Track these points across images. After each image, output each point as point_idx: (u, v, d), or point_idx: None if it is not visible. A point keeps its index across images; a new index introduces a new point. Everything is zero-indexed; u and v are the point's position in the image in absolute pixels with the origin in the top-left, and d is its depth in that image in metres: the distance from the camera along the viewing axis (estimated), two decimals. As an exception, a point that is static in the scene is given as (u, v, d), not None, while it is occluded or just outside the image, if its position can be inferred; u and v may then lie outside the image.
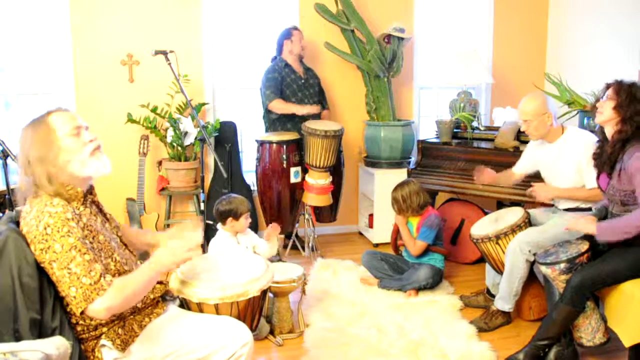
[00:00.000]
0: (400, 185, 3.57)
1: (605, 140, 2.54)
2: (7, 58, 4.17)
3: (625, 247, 2.41)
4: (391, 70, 4.45)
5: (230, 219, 3.02)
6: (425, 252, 3.50)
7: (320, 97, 4.36)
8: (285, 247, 4.26)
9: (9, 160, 2.74)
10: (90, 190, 1.87)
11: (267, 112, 4.14)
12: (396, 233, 3.71)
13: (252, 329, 2.12)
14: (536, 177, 3.16)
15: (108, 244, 1.81)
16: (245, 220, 3.04)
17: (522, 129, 3.04)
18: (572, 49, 4.77)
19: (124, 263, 1.85)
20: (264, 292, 2.13)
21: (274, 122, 4.15)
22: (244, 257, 2.35)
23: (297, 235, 4.35)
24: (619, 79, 2.47)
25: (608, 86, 2.50)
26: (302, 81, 4.20)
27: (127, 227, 2.19)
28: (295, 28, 4.22)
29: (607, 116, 2.45)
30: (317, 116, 4.20)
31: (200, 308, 1.98)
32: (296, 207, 4.15)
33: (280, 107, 4.06)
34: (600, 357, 2.72)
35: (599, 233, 2.39)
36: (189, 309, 2.02)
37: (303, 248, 4.28)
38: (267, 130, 4.19)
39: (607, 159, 2.48)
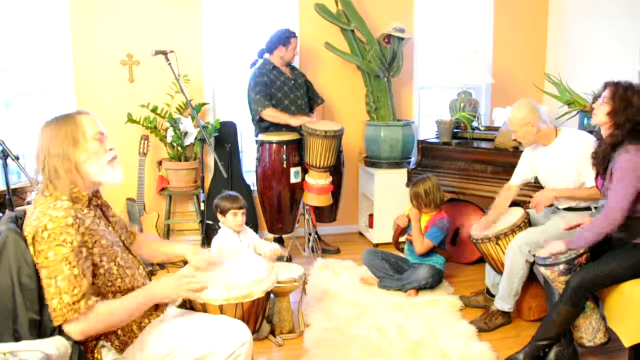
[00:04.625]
0: (422, 180, 3.53)
1: (602, 140, 2.54)
2: (7, 58, 4.17)
3: (624, 248, 2.42)
4: (391, 70, 4.45)
5: (219, 215, 3.05)
6: (428, 252, 3.50)
7: (310, 94, 4.33)
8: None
9: (9, 160, 2.73)
10: (95, 194, 1.87)
11: (259, 120, 4.06)
12: (398, 233, 3.70)
13: (255, 330, 2.12)
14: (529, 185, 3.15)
15: (111, 247, 1.81)
16: (233, 217, 3.02)
17: (512, 137, 3.07)
18: (572, 49, 4.77)
19: (127, 267, 1.85)
20: (268, 294, 2.13)
21: (267, 129, 4.10)
22: (248, 259, 2.35)
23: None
24: (616, 81, 2.46)
25: (606, 86, 2.50)
26: (292, 82, 4.16)
27: (145, 236, 2.20)
28: (294, 35, 4.11)
29: (600, 120, 2.47)
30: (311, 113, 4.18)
31: (204, 309, 1.98)
32: (296, 207, 4.15)
33: (273, 115, 4.00)
34: (600, 357, 2.72)
35: (570, 245, 2.45)
36: (192, 309, 2.02)
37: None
38: (257, 135, 4.11)
39: (601, 160, 2.49)
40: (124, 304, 1.74)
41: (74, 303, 1.62)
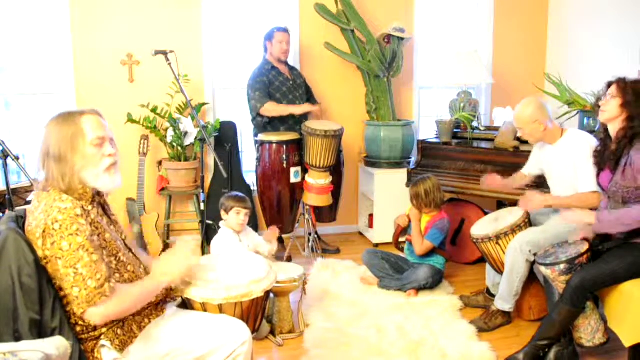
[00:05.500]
0: (422, 180, 3.53)
1: (608, 138, 2.53)
2: (7, 58, 4.17)
3: (625, 247, 2.41)
4: (391, 70, 4.45)
5: (222, 212, 3.07)
6: (428, 252, 3.50)
7: (308, 96, 4.34)
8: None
9: (9, 160, 2.73)
10: (99, 192, 1.87)
11: (258, 116, 4.05)
12: (399, 233, 3.70)
13: (254, 330, 2.12)
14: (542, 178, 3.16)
15: (114, 243, 1.82)
16: (236, 215, 3.04)
17: (518, 135, 3.08)
18: (572, 49, 4.77)
19: (127, 263, 1.86)
20: (267, 293, 2.13)
21: (265, 126, 4.10)
22: (248, 258, 2.35)
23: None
24: (622, 76, 2.46)
25: (610, 84, 2.49)
26: (291, 82, 4.15)
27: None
28: (281, 29, 4.06)
29: (612, 114, 2.45)
30: (308, 113, 4.18)
31: (204, 308, 1.99)
32: (296, 207, 4.15)
33: (274, 109, 3.99)
34: (600, 357, 2.72)
35: (598, 223, 2.39)
36: (192, 309, 2.02)
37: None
38: (257, 135, 4.12)
39: (611, 155, 2.47)
40: (136, 286, 1.79)
41: (100, 287, 1.66)
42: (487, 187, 3.34)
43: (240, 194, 3.14)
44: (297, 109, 4.01)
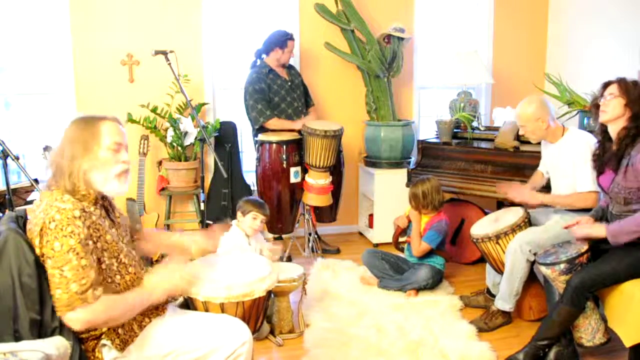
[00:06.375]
0: (421, 181, 3.53)
1: (607, 139, 2.53)
2: (7, 58, 4.17)
3: (625, 247, 2.41)
4: (391, 70, 4.45)
5: (239, 213, 3.11)
6: (428, 253, 3.50)
7: (305, 96, 4.34)
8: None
9: (9, 160, 2.73)
10: (103, 195, 1.87)
11: (258, 125, 4.06)
12: (398, 234, 3.70)
13: (256, 330, 2.12)
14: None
15: (115, 244, 1.82)
16: (252, 220, 3.07)
17: (520, 133, 3.08)
18: (572, 49, 4.77)
19: (128, 265, 1.86)
20: (269, 293, 2.14)
21: (265, 130, 4.09)
22: (250, 258, 2.36)
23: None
24: (621, 77, 2.46)
25: (607, 84, 2.49)
26: (289, 84, 4.15)
27: (149, 230, 2.22)
28: (292, 37, 4.09)
29: (614, 114, 2.44)
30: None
31: (206, 307, 1.99)
32: (296, 207, 4.15)
33: (278, 124, 4.03)
34: (600, 357, 2.72)
35: (611, 236, 2.36)
36: (194, 308, 2.02)
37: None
38: (256, 135, 4.12)
39: (612, 156, 2.47)
40: (126, 298, 1.77)
41: (82, 292, 1.64)
42: (504, 195, 3.16)
43: (261, 200, 3.19)
44: (297, 125, 4.03)
